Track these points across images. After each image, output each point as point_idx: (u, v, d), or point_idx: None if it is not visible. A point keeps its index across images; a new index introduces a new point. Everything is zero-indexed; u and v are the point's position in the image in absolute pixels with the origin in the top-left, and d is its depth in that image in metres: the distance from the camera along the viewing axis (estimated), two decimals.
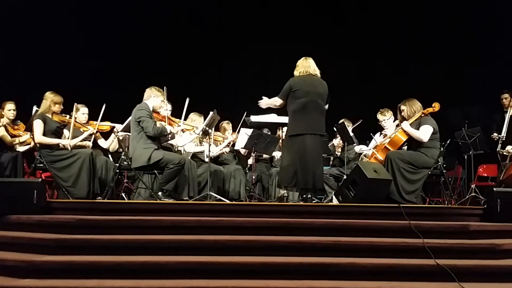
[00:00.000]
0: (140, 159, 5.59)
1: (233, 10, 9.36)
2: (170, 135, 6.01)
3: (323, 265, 3.89)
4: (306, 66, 5.77)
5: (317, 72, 5.78)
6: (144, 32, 9.10)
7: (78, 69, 8.53)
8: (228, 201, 5.84)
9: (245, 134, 6.70)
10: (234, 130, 7.16)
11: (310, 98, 5.63)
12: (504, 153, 6.00)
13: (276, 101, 5.76)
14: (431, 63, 8.87)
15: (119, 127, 6.30)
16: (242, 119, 6.68)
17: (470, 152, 6.87)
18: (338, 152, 7.09)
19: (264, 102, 5.85)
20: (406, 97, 5.94)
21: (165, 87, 5.98)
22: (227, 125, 7.19)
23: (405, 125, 5.75)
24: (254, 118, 6.39)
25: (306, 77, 5.72)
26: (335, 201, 5.76)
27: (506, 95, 6.73)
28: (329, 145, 7.11)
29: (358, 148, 6.82)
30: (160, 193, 5.62)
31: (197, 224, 4.39)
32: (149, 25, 9.11)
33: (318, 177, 5.64)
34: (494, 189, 4.91)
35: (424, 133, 5.65)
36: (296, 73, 5.80)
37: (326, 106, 5.85)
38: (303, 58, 5.85)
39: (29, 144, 6.35)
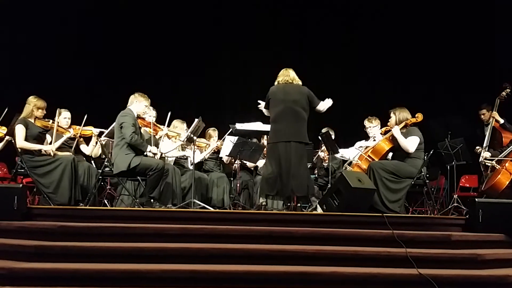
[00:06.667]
0: (120, 165, 5.54)
1: (217, 17, 9.40)
2: (149, 152, 5.76)
3: (306, 274, 3.88)
4: (285, 75, 5.83)
5: (296, 80, 5.82)
6: (129, 38, 9.06)
7: (62, 72, 8.45)
8: (212, 209, 5.81)
9: (230, 142, 6.68)
10: (220, 137, 7.14)
11: (285, 105, 5.67)
12: (487, 164, 6.05)
13: (264, 111, 5.92)
14: (416, 74, 8.94)
15: (102, 132, 6.24)
16: (230, 129, 6.67)
17: (453, 163, 6.92)
18: (325, 163, 7.05)
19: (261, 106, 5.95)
20: (395, 106, 5.97)
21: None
22: (213, 132, 7.17)
23: (396, 129, 5.77)
24: (239, 126, 6.38)
25: (283, 86, 5.79)
26: (319, 210, 5.75)
27: (484, 111, 6.75)
28: (315, 157, 7.08)
29: (338, 153, 6.75)
30: (143, 200, 5.58)
31: (180, 232, 4.36)
32: (133, 30, 9.07)
33: (298, 185, 5.60)
34: (476, 199, 4.95)
35: (412, 143, 5.69)
36: (275, 83, 5.86)
37: (320, 106, 5.78)
38: (283, 69, 5.90)
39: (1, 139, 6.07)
